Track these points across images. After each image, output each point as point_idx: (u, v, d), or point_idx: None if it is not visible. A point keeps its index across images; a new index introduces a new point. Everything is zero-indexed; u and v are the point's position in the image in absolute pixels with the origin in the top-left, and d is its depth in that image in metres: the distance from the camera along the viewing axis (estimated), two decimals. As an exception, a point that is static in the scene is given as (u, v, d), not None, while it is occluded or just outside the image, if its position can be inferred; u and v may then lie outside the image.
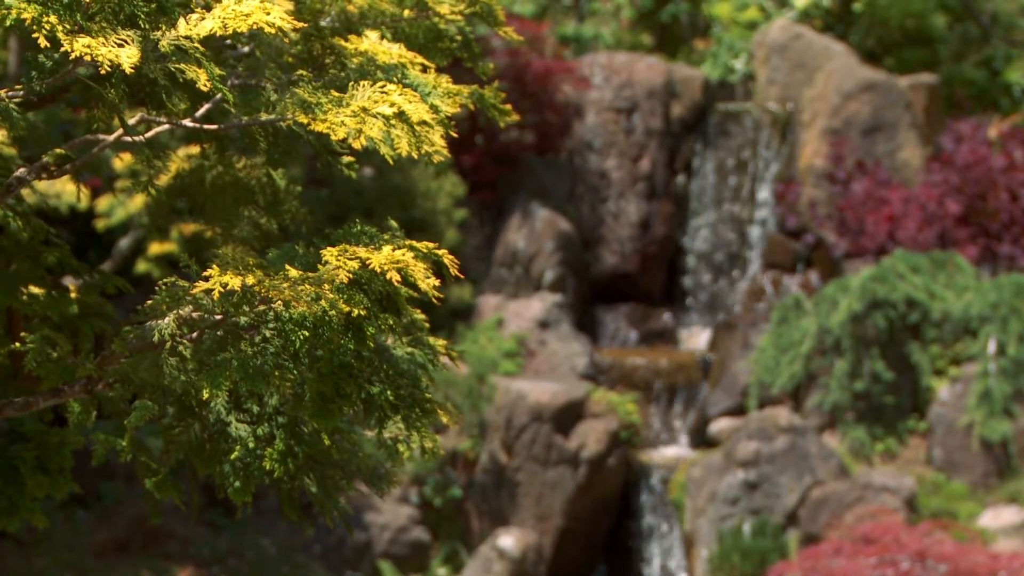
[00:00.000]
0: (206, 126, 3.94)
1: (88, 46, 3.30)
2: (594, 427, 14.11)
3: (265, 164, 4.94)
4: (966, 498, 13.46)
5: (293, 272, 3.64)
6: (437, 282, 3.68)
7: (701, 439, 14.67)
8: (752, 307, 15.81)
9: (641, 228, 16.62)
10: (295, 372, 3.67)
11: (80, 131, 4.10)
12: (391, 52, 4.25)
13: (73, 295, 4.43)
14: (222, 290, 3.56)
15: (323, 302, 3.54)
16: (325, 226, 11.03)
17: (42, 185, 11.52)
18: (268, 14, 3.48)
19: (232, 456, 3.94)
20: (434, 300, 3.71)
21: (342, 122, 3.62)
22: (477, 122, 16.18)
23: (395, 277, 3.60)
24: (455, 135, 3.95)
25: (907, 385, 14.12)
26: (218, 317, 3.74)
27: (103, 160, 12.36)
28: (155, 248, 13.15)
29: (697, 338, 16.24)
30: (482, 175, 16.23)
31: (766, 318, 15.22)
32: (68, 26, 3.34)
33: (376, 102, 3.69)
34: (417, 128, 3.70)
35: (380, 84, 3.77)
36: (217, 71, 3.48)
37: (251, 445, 3.95)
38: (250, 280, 3.56)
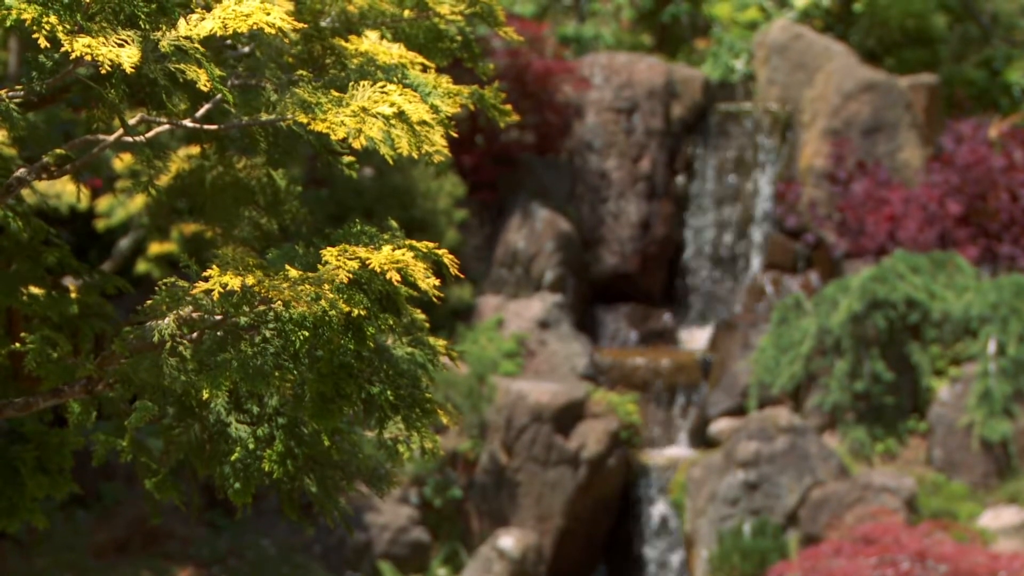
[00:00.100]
0: (206, 126, 3.94)
1: (89, 46, 3.30)
2: (594, 427, 14.11)
3: (265, 164, 4.94)
4: (966, 498, 13.46)
5: (293, 272, 3.64)
6: (437, 282, 3.68)
7: (701, 439, 14.67)
8: (752, 307, 15.81)
9: (641, 228, 16.62)
10: (295, 372, 3.67)
11: (80, 131, 4.09)
12: (391, 52, 4.25)
13: (73, 295, 4.43)
14: (222, 290, 3.56)
15: (323, 302, 3.53)
16: (325, 226, 11.03)
17: (42, 185, 11.52)
18: (268, 14, 3.48)
19: (232, 457, 3.94)
20: (434, 300, 3.71)
21: (342, 122, 3.62)
22: (477, 122, 16.18)
23: (395, 277, 3.60)
24: (455, 135, 3.95)
25: (907, 385, 14.12)
26: (218, 317, 3.73)
27: (103, 160, 12.36)
28: (155, 248, 13.15)
29: (697, 338, 16.24)
30: (482, 175, 16.23)
31: (766, 318, 15.22)
32: (68, 26, 3.34)
33: (376, 102, 3.69)
34: (417, 128, 3.70)
35: (380, 84, 3.77)
36: (217, 71, 3.48)
37: (251, 446, 3.95)
38: (250, 280, 3.56)
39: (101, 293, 4.52)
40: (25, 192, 4.27)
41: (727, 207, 16.73)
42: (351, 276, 3.61)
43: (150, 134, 4.12)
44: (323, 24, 4.49)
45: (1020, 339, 13.74)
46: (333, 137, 3.63)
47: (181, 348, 3.71)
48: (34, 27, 3.30)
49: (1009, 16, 18.65)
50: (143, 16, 3.48)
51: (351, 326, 3.63)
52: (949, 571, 11.23)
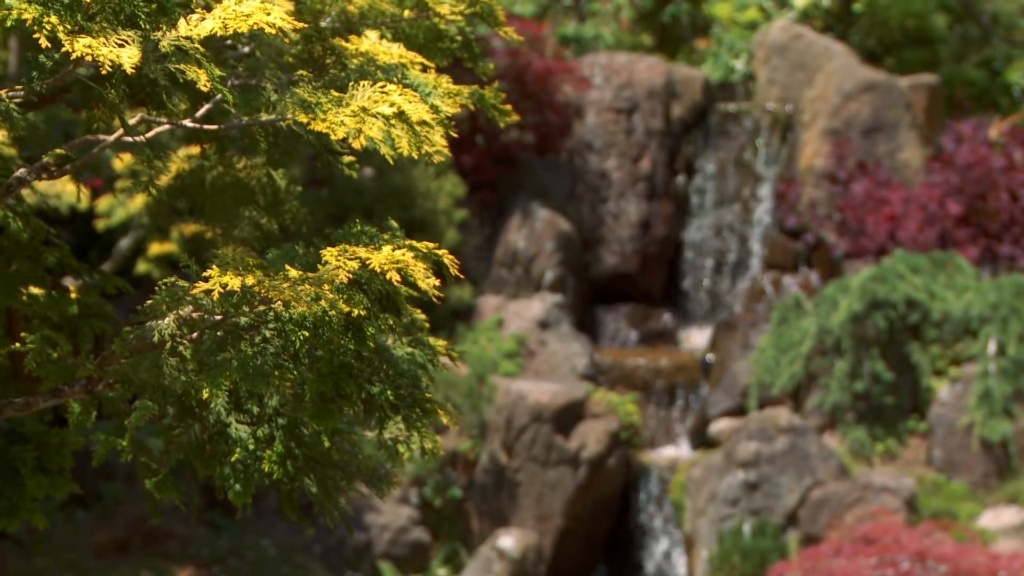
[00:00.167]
0: (206, 126, 3.94)
1: (89, 46, 3.30)
2: (594, 427, 14.11)
3: (265, 164, 4.94)
4: (966, 498, 13.46)
5: (293, 272, 3.64)
6: (437, 282, 3.68)
7: (701, 439, 14.67)
8: (752, 307, 15.81)
9: (641, 228, 16.62)
10: (295, 372, 3.67)
11: (80, 131, 4.09)
12: (391, 52, 4.25)
13: (73, 295, 4.43)
14: (222, 290, 3.56)
15: (323, 302, 3.53)
16: (325, 226, 11.03)
17: (42, 185, 11.52)
18: (269, 15, 3.48)
19: (232, 458, 3.94)
20: (434, 300, 3.71)
21: (342, 122, 3.62)
22: (477, 122, 16.18)
23: (395, 277, 3.60)
24: (455, 135, 3.95)
25: (907, 385, 14.12)
26: (218, 317, 3.73)
27: (103, 160, 12.36)
28: (155, 248, 13.14)
29: (697, 338, 16.24)
30: (482, 175, 16.23)
31: (766, 318, 15.22)
32: (69, 26, 3.34)
33: (376, 102, 3.69)
34: (417, 128, 3.70)
35: (380, 84, 3.77)
36: (217, 71, 3.48)
37: (251, 446, 3.95)
38: (250, 280, 3.56)
39: (101, 293, 4.52)
40: (25, 192, 4.27)
41: (727, 207, 16.73)
42: (351, 276, 3.61)
43: (150, 134, 4.12)
44: (323, 24, 4.49)
45: (1020, 339, 13.74)
46: (333, 137, 3.63)
47: (181, 348, 3.71)
48: (35, 27, 3.30)
49: (1009, 16, 18.65)
50: (143, 16, 3.48)
51: (351, 326, 3.63)
52: (949, 571, 11.23)
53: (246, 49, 4.49)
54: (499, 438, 14.01)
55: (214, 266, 3.61)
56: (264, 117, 3.83)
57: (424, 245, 3.74)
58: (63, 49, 3.33)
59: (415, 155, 3.68)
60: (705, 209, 16.80)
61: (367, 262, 3.62)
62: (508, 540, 13.55)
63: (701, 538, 13.56)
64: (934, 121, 16.42)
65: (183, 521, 13.09)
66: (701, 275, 16.78)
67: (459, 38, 4.70)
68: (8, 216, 4.22)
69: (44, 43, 3.32)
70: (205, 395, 3.60)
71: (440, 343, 4.32)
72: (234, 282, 3.54)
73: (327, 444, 3.92)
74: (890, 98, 16.23)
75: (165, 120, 3.92)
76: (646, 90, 16.80)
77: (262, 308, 3.67)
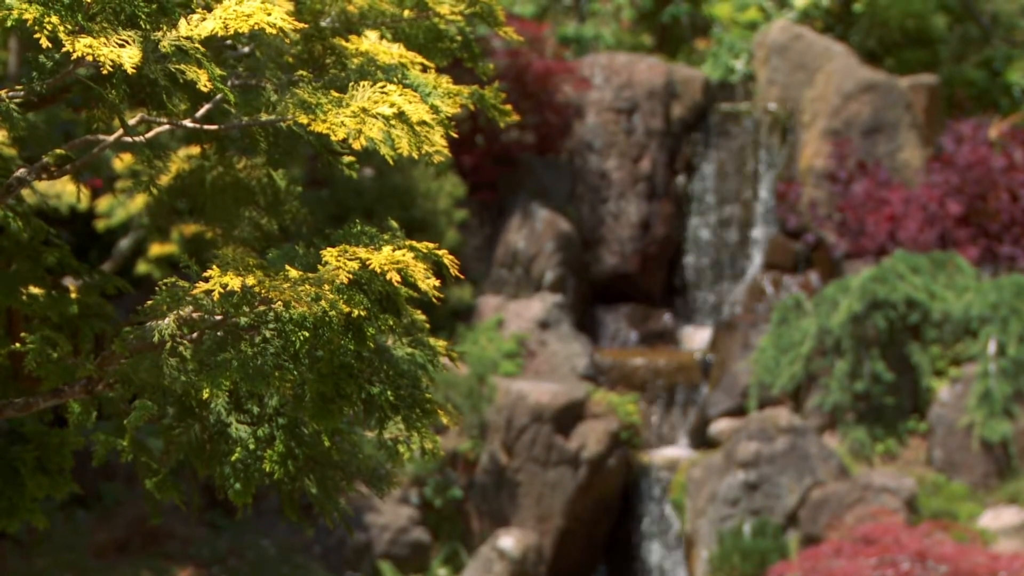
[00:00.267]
0: (206, 126, 3.94)
1: (90, 46, 3.30)
2: (594, 428, 14.11)
3: (265, 164, 4.94)
4: (966, 499, 13.46)
5: (293, 272, 3.64)
6: (437, 282, 3.68)
7: (701, 440, 14.67)
8: (752, 307, 15.81)
9: (641, 228, 16.62)
10: (295, 373, 3.67)
11: (80, 131, 4.09)
12: (391, 52, 4.25)
13: (73, 295, 4.43)
14: (222, 291, 3.56)
15: (323, 302, 3.53)
16: (325, 226, 11.03)
17: (42, 185, 11.52)
18: (269, 15, 3.48)
19: (232, 458, 3.94)
20: (434, 300, 3.71)
21: (342, 122, 3.62)
22: (477, 122, 16.18)
23: (395, 277, 3.60)
24: (455, 135, 3.95)
25: (907, 386, 14.12)
26: (218, 317, 3.73)
27: (103, 160, 12.36)
28: (155, 249, 13.14)
29: (697, 338, 16.24)
30: (482, 175, 16.23)
31: (766, 318, 15.22)
32: (69, 26, 3.34)
33: (376, 102, 3.69)
34: (417, 128, 3.70)
35: (380, 84, 3.77)
36: (217, 71, 3.48)
37: (251, 446, 3.95)
38: (250, 281, 3.56)
39: (101, 293, 4.52)
40: (25, 192, 4.27)
41: (727, 207, 16.73)
42: (351, 276, 3.61)
43: (150, 134, 4.12)
44: (323, 24, 4.49)
45: (1020, 339, 13.74)
46: (333, 138, 3.63)
47: (181, 348, 3.71)
48: (35, 27, 3.30)
49: (1009, 16, 18.65)
50: (144, 16, 3.48)
51: (351, 326, 3.63)
52: (949, 571, 11.23)
53: (246, 49, 4.49)
54: (499, 438, 14.01)
55: (214, 266, 3.61)
56: (264, 117, 3.83)
57: (424, 245, 3.74)
58: (64, 49, 3.33)
59: (415, 155, 3.68)
60: (705, 209, 16.80)
61: (367, 262, 3.62)
62: (508, 540, 13.55)
63: (701, 538, 13.56)
64: (934, 121, 16.42)
65: (183, 521, 13.09)
66: (701, 275, 16.78)
67: (459, 38, 4.70)
68: (8, 216, 4.22)
69: (45, 43, 3.32)
70: (205, 395, 3.60)
71: (440, 343, 4.32)
72: (234, 282, 3.54)
73: (327, 444, 3.92)
74: (890, 98, 16.23)
75: (165, 120, 3.92)
76: (646, 90, 16.80)
77: (262, 308, 3.67)
